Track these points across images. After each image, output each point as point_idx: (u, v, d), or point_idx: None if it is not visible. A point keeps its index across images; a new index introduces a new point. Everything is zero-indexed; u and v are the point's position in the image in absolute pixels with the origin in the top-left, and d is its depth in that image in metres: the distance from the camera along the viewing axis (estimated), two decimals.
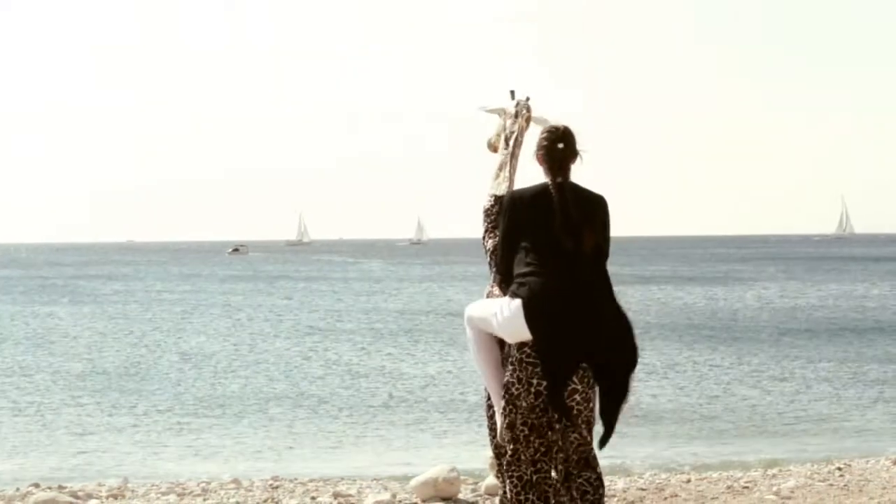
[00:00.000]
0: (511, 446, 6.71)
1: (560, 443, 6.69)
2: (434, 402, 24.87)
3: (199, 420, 22.91)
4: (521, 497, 6.76)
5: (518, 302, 6.60)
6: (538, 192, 6.71)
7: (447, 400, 25.21)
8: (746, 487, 12.09)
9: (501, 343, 6.89)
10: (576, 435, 6.66)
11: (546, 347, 6.57)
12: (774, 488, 11.95)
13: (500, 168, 7.31)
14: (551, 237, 6.61)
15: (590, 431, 6.68)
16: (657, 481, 12.86)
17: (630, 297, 55.48)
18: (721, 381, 28.03)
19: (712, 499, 11.29)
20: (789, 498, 11.24)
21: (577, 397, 6.62)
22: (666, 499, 11.40)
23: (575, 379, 6.60)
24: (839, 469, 13.74)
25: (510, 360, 6.71)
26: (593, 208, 6.71)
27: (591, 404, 6.67)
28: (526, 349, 6.62)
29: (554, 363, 6.58)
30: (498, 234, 6.90)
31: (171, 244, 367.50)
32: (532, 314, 6.56)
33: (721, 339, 38.48)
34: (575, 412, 6.62)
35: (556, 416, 6.64)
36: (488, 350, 6.89)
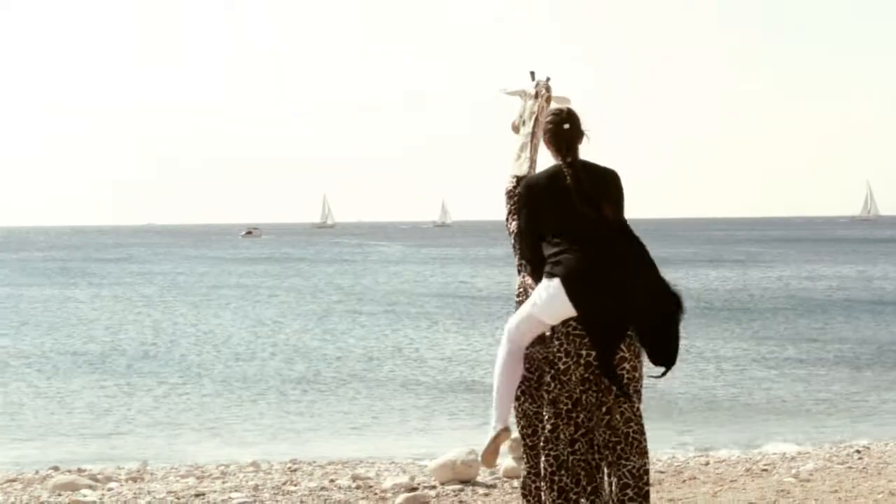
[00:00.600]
0: (552, 422, 6.72)
1: (607, 418, 6.70)
2: (452, 385, 24.89)
3: (218, 402, 22.96)
4: (556, 477, 6.76)
5: (556, 280, 6.64)
6: (552, 174, 6.80)
7: (466, 382, 25.23)
8: (765, 470, 12.08)
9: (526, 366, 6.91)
10: (626, 406, 6.69)
11: (592, 317, 6.61)
12: (793, 470, 11.94)
13: (521, 149, 7.36)
14: (572, 213, 6.68)
15: (639, 401, 6.72)
16: (675, 464, 12.86)
17: None
18: (739, 363, 28.00)
19: (731, 481, 11.28)
20: (808, 480, 11.22)
21: (626, 366, 6.66)
22: (685, 481, 11.39)
23: (623, 347, 6.64)
24: (858, 452, 13.72)
25: (556, 335, 6.72)
26: (606, 182, 6.79)
27: (638, 373, 6.72)
28: (571, 322, 6.65)
29: (602, 331, 6.62)
30: (520, 222, 6.94)
31: (189, 227, 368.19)
32: (572, 288, 6.60)
33: (739, 321, 38.43)
34: (625, 381, 6.66)
35: (605, 388, 6.66)
36: (513, 372, 6.88)
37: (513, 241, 7.13)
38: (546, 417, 6.74)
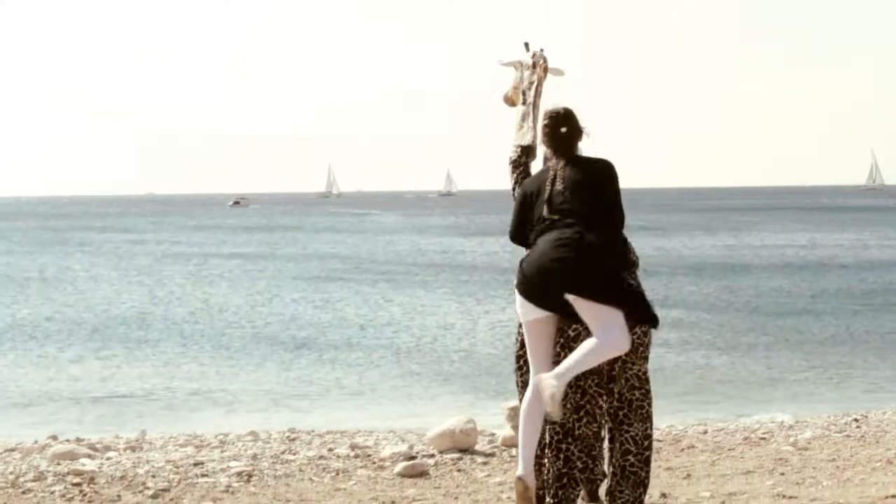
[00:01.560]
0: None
1: (611, 385, 6.73)
2: (450, 354, 24.90)
3: (217, 371, 22.98)
4: (563, 445, 6.78)
5: (516, 291, 6.90)
6: (538, 176, 7.03)
7: (464, 351, 25.24)
8: (763, 439, 12.09)
9: None
10: (632, 373, 6.76)
11: (552, 306, 6.74)
12: (791, 439, 11.95)
13: (524, 119, 7.42)
14: (547, 213, 6.85)
15: (645, 365, 6.82)
16: (674, 432, 12.86)
17: (646, 245, 55.40)
18: (736, 331, 28.01)
19: (729, 450, 11.29)
20: (806, 449, 11.24)
21: (638, 331, 6.79)
22: (683, 450, 11.40)
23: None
24: (856, 420, 13.73)
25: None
26: (590, 174, 6.87)
27: (647, 339, 6.83)
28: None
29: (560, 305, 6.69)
30: (512, 219, 7.10)
31: (187, 196, 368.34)
32: (525, 292, 6.79)
33: (734, 291, 38.43)
34: (634, 345, 6.75)
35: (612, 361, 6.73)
36: (536, 416, 6.85)
37: None
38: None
